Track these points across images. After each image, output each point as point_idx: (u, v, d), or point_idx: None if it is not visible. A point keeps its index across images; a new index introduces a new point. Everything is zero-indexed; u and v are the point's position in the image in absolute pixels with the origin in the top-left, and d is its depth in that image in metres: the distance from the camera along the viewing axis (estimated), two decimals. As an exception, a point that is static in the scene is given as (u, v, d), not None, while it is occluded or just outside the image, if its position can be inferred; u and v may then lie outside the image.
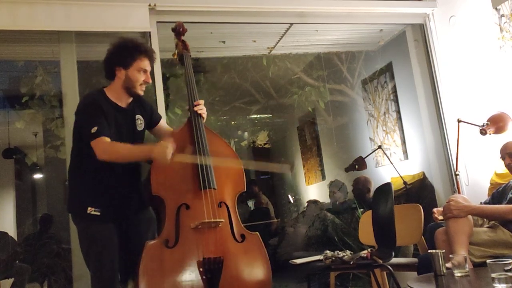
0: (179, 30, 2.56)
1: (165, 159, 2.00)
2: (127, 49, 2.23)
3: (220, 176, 2.23)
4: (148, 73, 2.26)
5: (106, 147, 2.03)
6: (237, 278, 2.09)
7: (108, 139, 2.05)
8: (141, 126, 2.32)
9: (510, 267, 1.63)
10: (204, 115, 2.36)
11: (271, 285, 2.14)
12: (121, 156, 2.06)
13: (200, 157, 2.18)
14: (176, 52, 2.56)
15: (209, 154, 2.23)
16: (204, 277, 2.01)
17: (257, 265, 2.15)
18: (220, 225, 2.12)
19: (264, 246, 2.20)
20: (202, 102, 2.38)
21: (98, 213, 2.11)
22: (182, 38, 2.56)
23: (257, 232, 2.22)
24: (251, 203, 6.37)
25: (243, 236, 2.17)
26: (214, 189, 2.16)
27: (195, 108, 2.31)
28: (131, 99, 2.28)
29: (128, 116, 2.26)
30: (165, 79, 3.46)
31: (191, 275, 2.02)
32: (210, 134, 2.33)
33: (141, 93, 2.27)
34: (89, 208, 2.11)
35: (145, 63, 2.23)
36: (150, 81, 2.29)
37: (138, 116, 2.30)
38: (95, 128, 2.04)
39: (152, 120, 2.40)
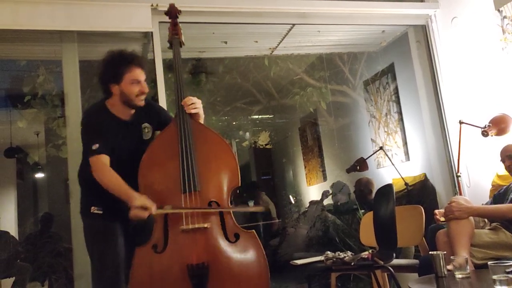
0: (170, 12, 2.45)
1: (138, 219, 1.98)
2: (115, 64, 2.17)
3: (211, 174, 2.15)
4: (142, 82, 2.19)
5: (100, 170, 2.06)
6: (230, 280, 2.03)
7: (107, 158, 2.07)
8: (148, 134, 2.28)
9: (511, 269, 1.62)
10: (197, 111, 2.22)
11: (269, 283, 2.08)
12: (106, 186, 2.04)
13: (182, 158, 2.11)
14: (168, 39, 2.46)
15: (197, 151, 2.15)
16: (191, 283, 1.97)
17: (252, 264, 2.08)
18: (208, 228, 2.06)
19: (260, 244, 2.12)
20: (191, 100, 2.21)
21: (101, 212, 2.14)
22: (175, 21, 2.44)
23: (253, 230, 2.15)
24: (251, 204, 6.36)
25: (237, 236, 2.09)
26: (195, 191, 2.08)
27: (186, 110, 2.19)
28: (133, 111, 2.25)
29: (132, 128, 2.24)
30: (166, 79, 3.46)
31: (180, 280, 1.98)
32: (200, 130, 2.23)
33: (141, 103, 2.21)
34: (92, 208, 2.14)
35: (136, 73, 2.16)
36: (147, 91, 2.21)
37: (145, 125, 2.27)
38: (97, 145, 2.06)
39: (162, 122, 2.34)
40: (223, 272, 2.03)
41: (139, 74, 2.18)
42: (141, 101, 2.20)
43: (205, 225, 2.04)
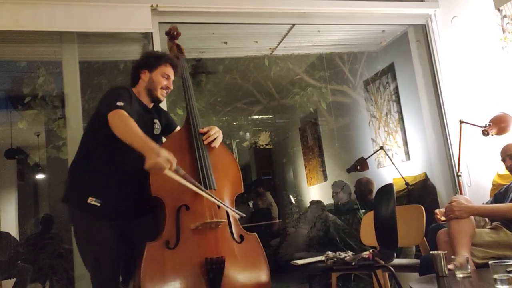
0: (173, 34, 2.62)
1: (158, 171, 1.90)
2: (154, 55, 2.41)
3: (219, 178, 2.24)
4: (171, 80, 2.35)
5: (121, 120, 1.98)
6: (238, 279, 2.08)
7: (127, 115, 2.03)
8: (157, 130, 2.37)
9: (512, 268, 1.62)
10: (218, 141, 2.31)
11: (271, 285, 2.14)
12: (126, 134, 1.95)
13: (200, 157, 2.19)
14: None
15: (208, 155, 2.25)
16: (206, 277, 2.00)
17: (256, 265, 2.14)
18: (220, 226, 2.12)
19: (262, 246, 2.20)
20: (212, 137, 2.28)
21: (98, 204, 2.09)
22: (176, 41, 2.62)
23: (255, 233, 2.22)
24: (250, 204, 6.36)
25: (242, 237, 2.17)
26: (215, 189, 2.17)
27: (205, 142, 2.27)
28: (152, 104, 2.37)
29: (149, 116, 2.34)
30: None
31: (193, 275, 2.01)
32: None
33: (162, 98, 2.35)
34: (89, 198, 2.09)
35: (169, 70, 2.34)
36: (171, 88, 2.37)
37: (156, 121, 2.37)
38: (121, 103, 2.05)
39: (168, 128, 2.45)
40: (233, 269, 2.07)
41: (171, 72, 2.36)
42: (163, 96, 2.35)
43: (224, 220, 2.13)
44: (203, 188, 2.09)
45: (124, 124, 1.97)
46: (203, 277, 2.00)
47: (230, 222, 2.18)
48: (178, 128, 2.49)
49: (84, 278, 2.74)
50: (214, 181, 2.19)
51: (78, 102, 3.04)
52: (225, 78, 5.45)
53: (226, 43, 3.92)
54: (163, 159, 1.86)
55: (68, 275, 3.94)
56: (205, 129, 2.30)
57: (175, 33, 2.62)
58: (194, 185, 2.04)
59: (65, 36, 3.13)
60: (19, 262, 4.52)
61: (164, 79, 2.32)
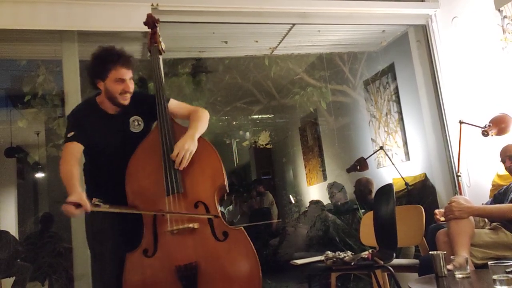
0: (148, 22, 2.46)
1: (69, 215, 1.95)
2: (101, 61, 2.18)
3: (193, 175, 2.14)
4: (127, 81, 2.17)
5: (63, 157, 2.11)
6: (221, 279, 2.03)
7: (78, 147, 2.13)
8: (138, 127, 2.28)
9: (511, 269, 1.62)
10: (186, 160, 2.11)
11: (260, 278, 2.06)
12: (60, 173, 2.07)
13: (165, 162, 2.12)
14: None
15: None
16: (181, 284, 1.99)
17: (243, 261, 2.07)
18: (196, 227, 2.07)
19: (249, 240, 2.10)
20: (178, 157, 2.08)
21: (101, 204, 2.13)
22: (154, 30, 2.44)
23: (241, 227, 2.13)
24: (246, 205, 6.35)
25: (225, 234, 2.09)
26: (181, 192, 2.10)
27: (176, 166, 2.10)
28: (119, 109, 2.25)
29: (118, 121, 2.25)
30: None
31: (170, 283, 2.00)
32: (181, 132, 2.20)
33: (125, 102, 2.20)
34: (93, 199, 2.11)
35: (121, 72, 2.15)
36: (131, 90, 2.20)
37: (134, 118, 2.27)
38: (72, 133, 2.14)
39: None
40: (213, 271, 2.03)
41: (124, 73, 2.17)
42: (125, 100, 2.19)
43: (190, 225, 2.05)
44: (122, 208, 2.06)
45: (60, 163, 2.09)
46: (179, 283, 1.99)
47: (211, 221, 2.10)
48: (174, 102, 2.36)
49: (84, 277, 2.74)
50: (180, 184, 2.10)
51: (78, 100, 3.03)
52: (225, 78, 5.45)
53: (226, 42, 3.92)
54: (70, 207, 1.90)
55: (67, 274, 3.94)
56: (174, 152, 2.10)
57: (149, 21, 2.44)
58: (125, 209, 2.06)
59: (65, 34, 3.13)
60: (19, 260, 4.52)
61: (119, 84, 2.15)
